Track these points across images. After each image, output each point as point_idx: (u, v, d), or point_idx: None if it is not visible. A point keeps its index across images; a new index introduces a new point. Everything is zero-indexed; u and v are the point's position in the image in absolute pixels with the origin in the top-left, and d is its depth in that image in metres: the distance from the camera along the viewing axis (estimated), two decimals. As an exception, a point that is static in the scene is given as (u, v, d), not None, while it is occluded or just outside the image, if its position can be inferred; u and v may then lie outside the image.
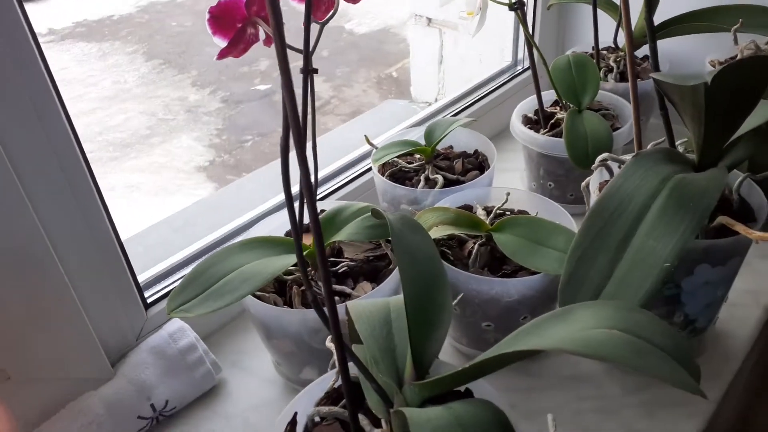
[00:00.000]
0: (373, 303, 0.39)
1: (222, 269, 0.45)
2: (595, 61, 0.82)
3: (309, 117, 0.50)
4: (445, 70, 1.16)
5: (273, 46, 0.40)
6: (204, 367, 0.54)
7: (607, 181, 0.58)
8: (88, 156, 0.48)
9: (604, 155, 0.56)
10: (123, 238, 0.54)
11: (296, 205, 0.50)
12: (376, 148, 0.69)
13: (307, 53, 0.48)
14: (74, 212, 0.46)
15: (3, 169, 0.41)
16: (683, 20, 0.80)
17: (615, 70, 0.83)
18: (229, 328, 0.62)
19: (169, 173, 2.17)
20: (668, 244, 0.42)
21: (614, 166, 0.58)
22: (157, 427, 0.53)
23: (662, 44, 0.82)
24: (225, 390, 0.56)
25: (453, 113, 0.90)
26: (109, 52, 3.04)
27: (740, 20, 0.71)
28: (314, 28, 0.49)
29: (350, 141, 1.11)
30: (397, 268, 0.51)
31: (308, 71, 0.49)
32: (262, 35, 0.49)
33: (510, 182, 0.83)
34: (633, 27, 0.84)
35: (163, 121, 2.45)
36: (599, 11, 0.85)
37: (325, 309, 0.33)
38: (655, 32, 0.47)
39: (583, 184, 0.59)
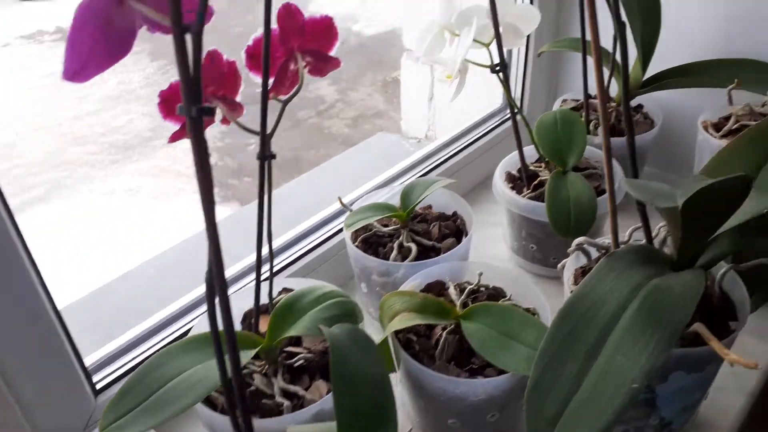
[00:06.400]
0: (315, 432, 0.36)
1: (163, 375, 0.42)
2: (584, 113, 0.79)
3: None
4: (435, 107, 1.13)
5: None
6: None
7: (582, 268, 0.55)
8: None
9: (580, 240, 0.53)
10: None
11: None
12: (351, 210, 0.66)
13: (264, 137, 0.46)
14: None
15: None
16: (677, 74, 0.77)
17: (605, 123, 0.79)
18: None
19: (170, 177, 2.15)
20: (637, 363, 0.39)
21: (593, 249, 0.55)
22: None
23: (657, 93, 0.80)
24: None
25: (441, 159, 0.88)
26: (115, 51, 3.01)
27: (736, 80, 0.68)
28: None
29: (337, 182, 1.09)
30: (356, 364, 0.49)
31: (265, 157, 0.47)
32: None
33: (494, 238, 0.81)
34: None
35: (166, 123, 2.43)
36: (590, 58, 0.82)
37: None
38: (632, 126, 0.44)
39: (559, 266, 0.56)
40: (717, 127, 0.69)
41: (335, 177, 1.09)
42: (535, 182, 0.72)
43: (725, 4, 0.77)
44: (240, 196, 2.01)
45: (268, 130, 0.45)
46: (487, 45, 0.62)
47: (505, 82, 0.63)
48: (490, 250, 0.79)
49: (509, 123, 0.95)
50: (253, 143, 2.29)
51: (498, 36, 0.60)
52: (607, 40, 0.77)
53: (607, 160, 0.46)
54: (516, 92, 0.96)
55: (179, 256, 0.95)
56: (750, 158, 0.58)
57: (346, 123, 2.42)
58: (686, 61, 0.78)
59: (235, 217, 1.07)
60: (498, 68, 0.62)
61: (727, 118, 0.70)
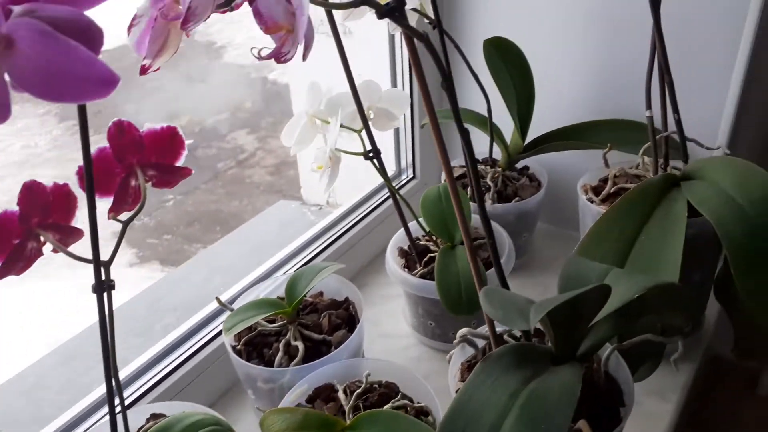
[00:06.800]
0: None
1: None
2: (469, 181, 0.79)
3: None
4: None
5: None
6: None
7: (469, 361, 0.53)
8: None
9: (463, 331, 0.51)
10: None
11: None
12: (231, 309, 0.62)
13: (99, 266, 0.42)
14: None
15: None
16: (556, 137, 0.79)
17: (492, 189, 0.79)
18: None
19: (86, 240, 2.02)
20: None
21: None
22: None
23: (541, 155, 0.81)
24: None
25: (338, 232, 0.85)
26: (18, 115, 2.85)
27: (609, 144, 0.70)
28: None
29: (234, 258, 1.04)
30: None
31: (102, 288, 0.42)
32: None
33: (393, 312, 0.78)
34: (509, 142, 0.82)
35: (78, 185, 2.29)
36: (472, 127, 0.83)
37: None
38: (495, 243, 0.43)
39: (448, 356, 0.54)
40: (596, 190, 0.70)
41: (229, 257, 1.04)
42: (426, 258, 0.70)
43: (595, 67, 0.79)
44: (160, 255, 1.91)
45: (106, 257, 0.41)
46: (359, 131, 0.60)
47: (381, 168, 0.62)
48: (390, 326, 0.77)
49: (404, 190, 0.94)
50: (172, 199, 2.20)
51: (366, 123, 0.59)
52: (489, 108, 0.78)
53: (472, 259, 0.45)
54: (408, 159, 0.95)
55: (64, 359, 0.87)
56: (627, 226, 0.59)
57: (269, 171, 2.38)
58: (565, 123, 0.79)
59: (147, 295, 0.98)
60: (371, 155, 0.60)
61: (606, 181, 0.71)
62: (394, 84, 0.91)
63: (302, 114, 0.60)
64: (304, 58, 0.28)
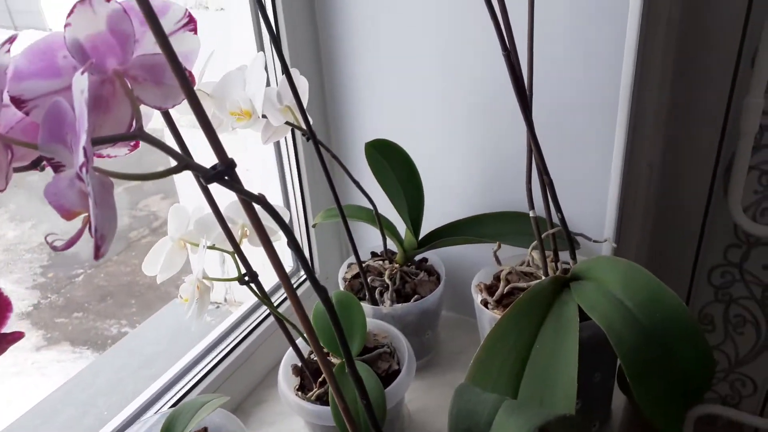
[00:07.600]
0: None
1: None
2: (364, 281, 0.75)
3: None
4: (228, 271, 1.04)
5: None
6: None
7: None
8: None
9: (354, 483, 0.46)
10: None
11: None
12: (97, 466, 0.54)
13: None
14: None
15: None
16: (448, 232, 0.77)
17: (390, 288, 0.76)
18: None
19: None
20: None
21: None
22: None
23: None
24: None
25: (229, 346, 0.79)
26: None
27: (498, 243, 0.68)
28: None
29: (120, 374, 0.94)
30: None
31: None
32: None
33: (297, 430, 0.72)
34: (403, 237, 0.80)
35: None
36: (365, 224, 0.80)
37: None
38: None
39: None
40: (490, 289, 0.68)
41: (115, 374, 0.94)
42: (321, 378, 0.65)
43: (481, 163, 0.78)
44: (70, 335, 1.74)
45: None
46: (232, 254, 0.56)
47: (260, 291, 0.57)
48: (291, 451, 0.70)
49: (303, 287, 0.89)
50: (82, 273, 2.03)
51: (237, 246, 0.54)
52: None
53: (343, 409, 0.40)
54: (306, 255, 0.91)
55: None
56: (521, 334, 0.57)
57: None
58: (457, 217, 0.78)
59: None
60: (246, 279, 0.55)
61: (499, 278, 0.69)
62: (283, 181, 0.87)
63: (167, 240, 0.54)
64: (97, 256, 0.24)
